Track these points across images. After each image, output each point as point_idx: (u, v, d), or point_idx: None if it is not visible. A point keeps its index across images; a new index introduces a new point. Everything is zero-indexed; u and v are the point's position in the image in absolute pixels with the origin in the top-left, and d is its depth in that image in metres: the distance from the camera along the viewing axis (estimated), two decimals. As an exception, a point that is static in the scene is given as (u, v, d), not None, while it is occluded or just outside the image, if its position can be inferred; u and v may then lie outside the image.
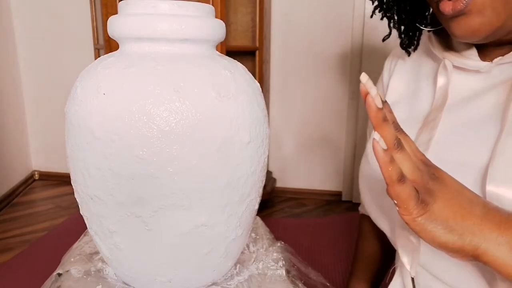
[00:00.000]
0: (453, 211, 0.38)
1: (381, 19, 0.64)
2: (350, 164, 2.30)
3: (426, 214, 0.37)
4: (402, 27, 0.61)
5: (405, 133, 0.41)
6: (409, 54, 0.62)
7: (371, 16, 0.66)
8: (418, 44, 0.61)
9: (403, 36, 0.61)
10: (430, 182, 0.38)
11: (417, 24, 0.60)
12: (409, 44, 0.61)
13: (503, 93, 0.50)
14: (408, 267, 0.55)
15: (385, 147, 0.36)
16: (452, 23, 0.47)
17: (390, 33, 0.65)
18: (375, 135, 0.36)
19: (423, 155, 0.41)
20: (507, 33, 0.48)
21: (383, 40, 0.65)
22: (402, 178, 0.36)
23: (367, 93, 0.36)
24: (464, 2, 0.44)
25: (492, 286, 0.47)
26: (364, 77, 0.36)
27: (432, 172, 0.39)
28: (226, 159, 0.42)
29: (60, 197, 2.36)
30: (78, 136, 0.43)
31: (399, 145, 0.37)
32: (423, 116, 0.57)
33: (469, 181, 0.47)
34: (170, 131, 0.40)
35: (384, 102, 0.39)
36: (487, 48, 0.53)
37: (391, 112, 0.40)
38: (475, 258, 0.39)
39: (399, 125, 0.40)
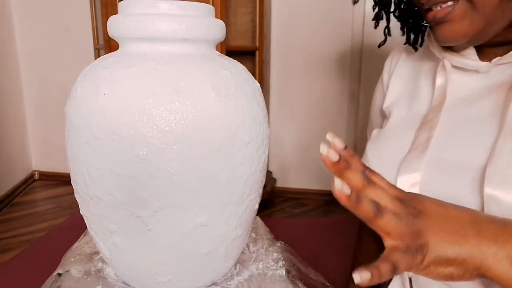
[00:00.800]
0: (447, 242, 0.37)
1: (375, 27, 0.65)
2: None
3: (427, 257, 0.36)
4: (405, 26, 0.61)
5: (373, 172, 0.39)
6: (416, 49, 0.62)
7: (373, 19, 0.66)
8: (423, 40, 0.62)
9: (408, 33, 0.61)
10: (415, 221, 0.36)
11: (422, 23, 0.60)
12: (415, 40, 0.61)
13: (501, 94, 0.50)
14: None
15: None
16: (435, 29, 0.50)
17: (385, 40, 0.65)
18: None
19: (397, 189, 0.39)
20: (495, 35, 0.49)
21: (379, 46, 0.66)
22: (378, 210, 0.35)
23: (332, 162, 0.36)
24: (446, 12, 0.48)
25: (491, 286, 0.47)
26: (329, 136, 0.37)
27: (411, 208, 0.37)
28: (226, 159, 0.42)
29: (60, 197, 2.36)
30: (78, 136, 0.43)
31: (378, 211, 0.35)
32: (422, 115, 0.57)
33: (467, 181, 0.47)
34: (170, 131, 0.40)
35: (344, 148, 0.38)
36: (486, 48, 0.53)
37: (353, 156, 0.38)
38: (481, 276, 0.39)
39: (366, 166, 0.38)
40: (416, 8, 0.60)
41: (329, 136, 0.38)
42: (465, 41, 0.49)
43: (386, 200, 0.37)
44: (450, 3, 0.47)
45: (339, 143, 0.38)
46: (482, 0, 0.45)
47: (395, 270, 0.34)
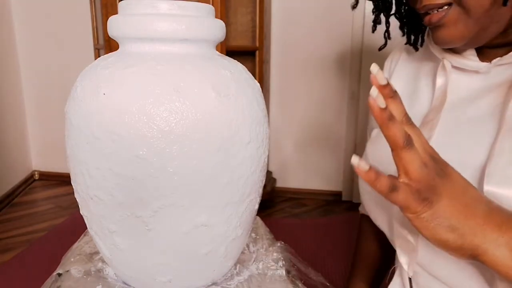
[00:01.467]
0: (457, 210, 0.38)
1: (373, 31, 0.65)
2: (350, 164, 2.29)
3: (430, 211, 0.37)
4: (406, 26, 0.61)
5: (415, 126, 0.40)
6: (417, 49, 0.62)
7: (372, 23, 0.66)
8: (423, 40, 0.62)
9: (409, 33, 0.61)
10: (437, 178, 0.38)
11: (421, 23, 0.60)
12: (415, 40, 0.61)
13: (501, 94, 0.50)
14: (405, 267, 0.55)
15: (367, 168, 0.35)
16: (433, 32, 0.52)
17: (386, 44, 0.65)
18: (353, 159, 0.36)
19: (433, 149, 0.40)
20: (493, 38, 0.50)
21: (380, 49, 0.66)
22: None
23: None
24: (439, 17, 0.49)
25: (492, 286, 0.47)
26: (374, 68, 0.37)
27: (440, 168, 0.39)
28: (226, 159, 0.42)
29: (60, 197, 2.36)
30: (78, 136, 0.43)
31: (408, 143, 0.36)
32: (422, 116, 0.57)
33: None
34: (170, 131, 0.40)
35: (395, 92, 0.39)
36: (486, 49, 0.53)
37: (400, 104, 0.39)
38: (473, 257, 0.39)
39: (409, 118, 0.39)
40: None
41: (374, 68, 0.38)
42: (462, 43, 0.50)
43: (422, 147, 0.39)
44: (445, 7, 0.48)
45: (381, 80, 0.38)
46: (473, 5, 0.46)
47: (392, 191, 0.36)
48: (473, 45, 0.52)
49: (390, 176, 0.36)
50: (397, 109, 0.39)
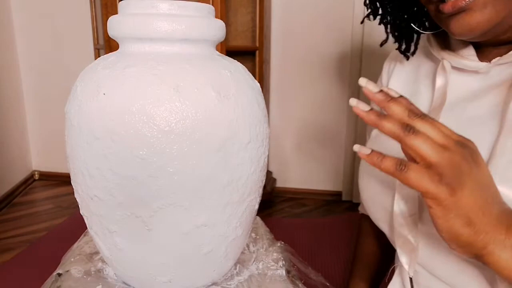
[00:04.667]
0: (477, 204, 0.37)
1: (380, 23, 0.64)
2: (350, 164, 2.29)
3: (453, 199, 0.36)
4: (397, 33, 0.60)
5: (429, 117, 0.38)
6: (407, 58, 0.62)
7: (361, 22, 0.66)
8: (416, 48, 0.61)
9: (400, 41, 0.61)
10: (464, 163, 0.36)
11: (415, 28, 0.59)
12: (406, 49, 0.61)
13: (501, 94, 0.50)
14: (406, 267, 0.55)
15: (368, 151, 0.36)
16: (451, 21, 0.47)
17: (387, 38, 0.65)
18: (355, 146, 0.36)
19: (462, 137, 0.38)
20: (505, 31, 0.48)
21: (381, 45, 0.66)
22: (402, 166, 0.36)
23: (373, 94, 0.38)
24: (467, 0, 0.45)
25: (492, 286, 0.47)
26: (363, 81, 0.37)
27: (469, 153, 0.37)
28: (226, 159, 0.42)
29: (60, 197, 2.36)
30: (78, 136, 0.43)
31: (409, 130, 0.36)
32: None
33: None
34: (170, 131, 0.40)
35: (389, 95, 0.39)
36: (486, 49, 0.53)
37: (400, 103, 0.38)
38: (478, 256, 0.39)
39: (416, 113, 0.38)
40: (405, 16, 0.59)
41: (362, 81, 0.38)
42: (484, 32, 0.46)
43: (440, 134, 0.37)
44: None
45: (373, 88, 0.38)
46: None
47: (401, 169, 0.35)
48: (489, 35, 0.48)
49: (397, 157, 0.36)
50: (398, 108, 0.38)
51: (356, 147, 0.36)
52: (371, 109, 0.36)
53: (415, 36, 0.60)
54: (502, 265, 0.38)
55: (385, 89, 0.39)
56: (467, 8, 0.45)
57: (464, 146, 0.37)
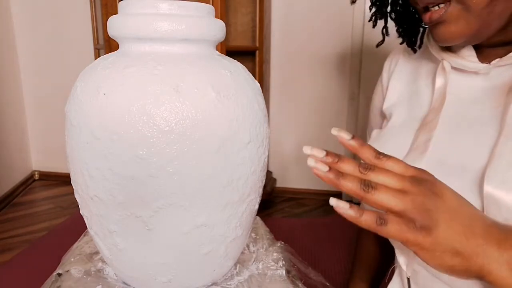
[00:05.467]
0: (457, 232, 0.37)
1: (373, 27, 0.65)
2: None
3: (431, 239, 0.36)
4: (404, 26, 0.61)
5: (387, 157, 0.40)
6: (415, 51, 0.62)
7: (369, 20, 0.66)
8: (422, 42, 0.62)
9: (404, 36, 0.61)
10: (428, 201, 0.37)
11: (417, 24, 0.60)
12: (412, 42, 0.61)
13: (501, 95, 0.50)
14: (404, 267, 0.55)
15: (347, 206, 0.36)
16: (432, 30, 0.51)
17: (383, 40, 0.65)
18: (331, 200, 0.36)
19: (417, 170, 0.39)
20: (493, 35, 0.49)
21: (377, 46, 0.66)
22: (382, 221, 0.36)
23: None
24: (440, 13, 0.48)
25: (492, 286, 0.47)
26: (334, 131, 0.40)
27: (428, 188, 0.38)
28: (226, 159, 0.42)
29: (60, 197, 2.36)
30: (78, 136, 0.43)
31: (367, 187, 0.36)
32: (422, 117, 0.57)
33: (467, 183, 0.47)
34: (170, 131, 0.40)
35: (352, 138, 0.40)
36: (486, 49, 0.53)
37: (362, 144, 0.40)
38: (480, 278, 0.39)
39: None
40: (412, 9, 0.60)
41: (334, 131, 0.40)
42: (463, 41, 0.49)
43: (394, 179, 0.38)
44: (442, 5, 0.48)
45: (345, 135, 0.40)
46: (473, 0, 0.45)
47: (381, 224, 0.36)
48: (473, 42, 0.51)
49: (375, 211, 0.36)
50: (349, 166, 0.39)
51: (333, 202, 0.36)
52: (330, 169, 0.37)
53: (421, 30, 0.61)
54: (503, 282, 0.38)
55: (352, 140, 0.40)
56: (442, 20, 0.48)
57: (421, 182, 0.38)
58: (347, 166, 0.39)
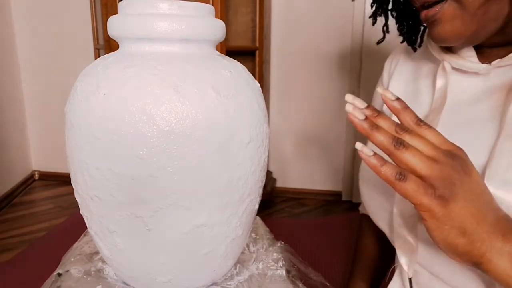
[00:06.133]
0: (471, 213, 0.37)
1: (373, 24, 0.65)
2: (350, 164, 2.29)
3: (445, 211, 0.36)
4: (404, 24, 0.61)
5: (427, 126, 0.40)
6: (415, 50, 0.62)
7: (370, 17, 0.66)
8: (422, 40, 0.62)
9: (405, 34, 0.61)
10: (455, 175, 0.36)
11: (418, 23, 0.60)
12: (412, 41, 0.61)
13: (501, 96, 0.50)
14: (405, 267, 0.55)
15: (371, 153, 0.35)
16: (430, 29, 0.51)
17: (384, 37, 0.65)
18: (357, 144, 0.36)
19: (454, 145, 0.39)
20: (491, 35, 0.49)
21: (378, 43, 0.66)
22: (401, 176, 0.35)
23: (360, 109, 0.38)
24: (435, 11, 0.47)
25: (492, 285, 0.47)
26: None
27: (459, 164, 0.37)
28: (226, 159, 0.42)
29: (60, 197, 2.36)
30: (78, 136, 0.43)
31: (398, 144, 0.36)
32: (422, 117, 0.57)
33: None
34: (170, 131, 0.40)
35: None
36: (486, 50, 0.53)
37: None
38: (476, 264, 0.39)
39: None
40: (413, 8, 0.60)
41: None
42: (460, 42, 0.49)
43: (428, 147, 0.38)
44: (438, 4, 0.47)
45: (390, 95, 0.40)
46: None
47: (400, 179, 0.35)
48: (471, 43, 0.51)
49: (397, 166, 0.36)
50: (386, 123, 0.39)
51: (359, 146, 0.36)
52: (366, 118, 0.37)
53: (422, 28, 0.61)
54: (500, 272, 0.38)
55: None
56: (438, 18, 0.48)
57: (454, 157, 0.38)
58: (385, 123, 0.38)
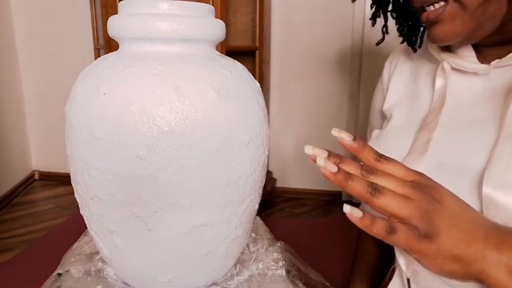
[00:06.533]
0: (458, 239, 0.37)
1: (372, 25, 0.65)
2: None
3: (434, 247, 0.36)
4: (404, 24, 0.61)
5: (387, 160, 0.39)
6: (415, 50, 0.62)
7: (370, 19, 0.66)
8: (422, 41, 0.62)
9: (405, 34, 0.62)
10: (430, 208, 0.37)
11: (417, 24, 0.60)
12: (412, 42, 0.62)
13: (501, 96, 0.50)
14: (404, 268, 0.55)
15: (360, 215, 0.35)
16: (429, 29, 0.52)
17: (383, 38, 0.65)
18: (345, 208, 0.35)
19: (417, 174, 0.39)
20: (490, 34, 0.49)
21: (377, 44, 0.66)
22: (375, 190, 0.36)
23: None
24: (437, 13, 0.49)
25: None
26: (335, 132, 0.40)
27: (429, 194, 0.37)
28: (226, 159, 0.42)
29: (60, 197, 2.36)
30: (78, 136, 0.43)
31: (374, 191, 0.36)
32: (422, 117, 0.57)
33: (466, 184, 0.47)
34: (170, 131, 0.40)
35: (353, 140, 0.40)
36: (485, 50, 0.53)
37: (364, 146, 0.40)
38: (479, 281, 0.39)
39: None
40: (413, 8, 0.60)
41: (335, 132, 0.40)
42: (458, 40, 0.50)
43: (396, 184, 0.37)
44: (442, 3, 0.48)
45: (346, 136, 0.40)
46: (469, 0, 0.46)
47: (391, 233, 0.35)
48: (467, 42, 0.52)
49: (385, 219, 0.36)
50: (351, 167, 0.38)
51: (347, 209, 0.35)
52: (339, 170, 0.36)
53: (421, 29, 0.62)
54: (499, 284, 0.38)
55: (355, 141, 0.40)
56: (439, 20, 0.49)
57: (423, 188, 0.38)
58: (349, 168, 0.38)
